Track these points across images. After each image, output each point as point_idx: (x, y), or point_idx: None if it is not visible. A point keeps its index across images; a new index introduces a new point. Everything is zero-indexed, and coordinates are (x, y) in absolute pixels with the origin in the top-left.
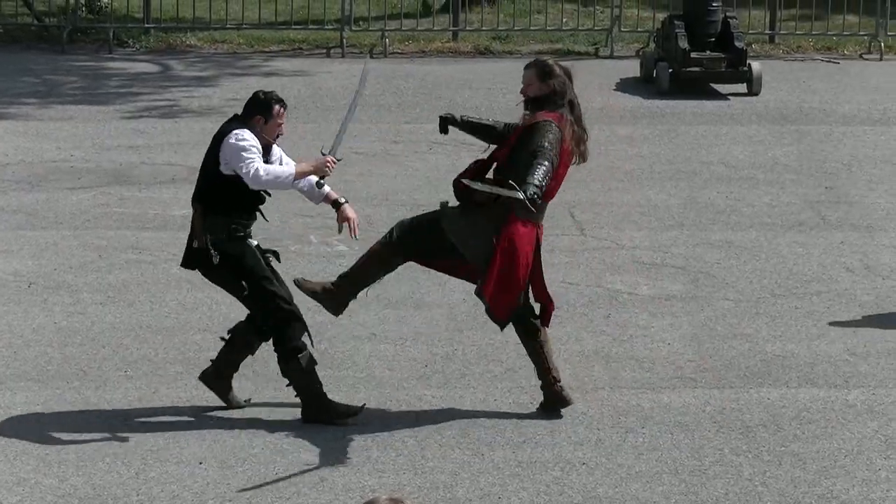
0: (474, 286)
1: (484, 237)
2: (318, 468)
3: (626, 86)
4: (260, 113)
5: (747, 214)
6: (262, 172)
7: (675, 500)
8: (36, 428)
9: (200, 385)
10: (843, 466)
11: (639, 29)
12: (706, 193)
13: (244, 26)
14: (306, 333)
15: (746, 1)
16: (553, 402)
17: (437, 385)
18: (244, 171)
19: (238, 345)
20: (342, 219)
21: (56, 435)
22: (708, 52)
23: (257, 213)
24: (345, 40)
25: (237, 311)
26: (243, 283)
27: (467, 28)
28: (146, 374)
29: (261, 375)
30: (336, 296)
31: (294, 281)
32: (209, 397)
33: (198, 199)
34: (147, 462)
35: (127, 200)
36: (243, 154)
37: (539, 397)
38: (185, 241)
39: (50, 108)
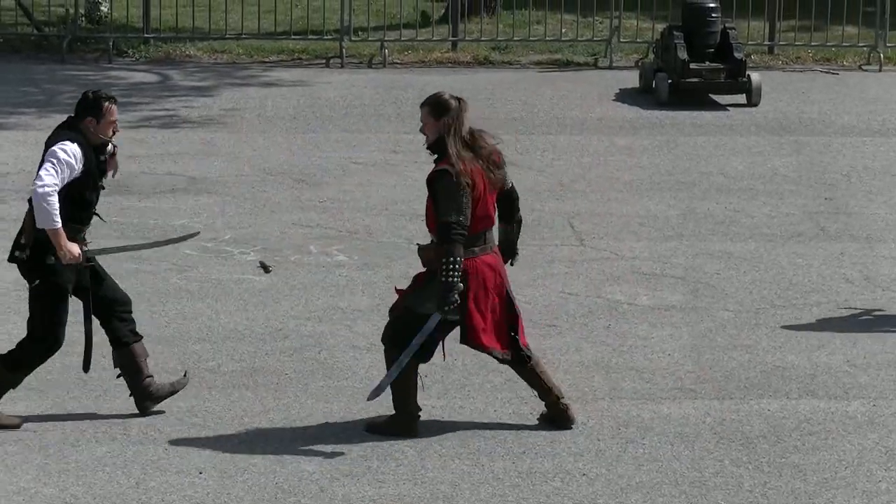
0: None
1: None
2: (317, 478)
3: (625, 96)
4: (91, 114)
5: (746, 225)
6: (42, 192)
7: None
8: (36, 437)
9: (201, 395)
10: (844, 478)
11: (638, 39)
12: (705, 204)
13: (243, 36)
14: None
15: (746, 12)
16: (559, 420)
17: (436, 395)
18: (37, 176)
19: (129, 358)
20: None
21: (56, 444)
22: (707, 63)
23: (91, 218)
24: (344, 50)
25: (237, 321)
26: (37, 283)
27: (466, 38)
28: None
29: (261, 385)
30: (412, 418)
31: (366, 427)
32: (210, 407)
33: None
34: (147, 472)
35: (127, 210)
36: (49, 164)
37: (539, 407)
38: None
39: (50, 117)
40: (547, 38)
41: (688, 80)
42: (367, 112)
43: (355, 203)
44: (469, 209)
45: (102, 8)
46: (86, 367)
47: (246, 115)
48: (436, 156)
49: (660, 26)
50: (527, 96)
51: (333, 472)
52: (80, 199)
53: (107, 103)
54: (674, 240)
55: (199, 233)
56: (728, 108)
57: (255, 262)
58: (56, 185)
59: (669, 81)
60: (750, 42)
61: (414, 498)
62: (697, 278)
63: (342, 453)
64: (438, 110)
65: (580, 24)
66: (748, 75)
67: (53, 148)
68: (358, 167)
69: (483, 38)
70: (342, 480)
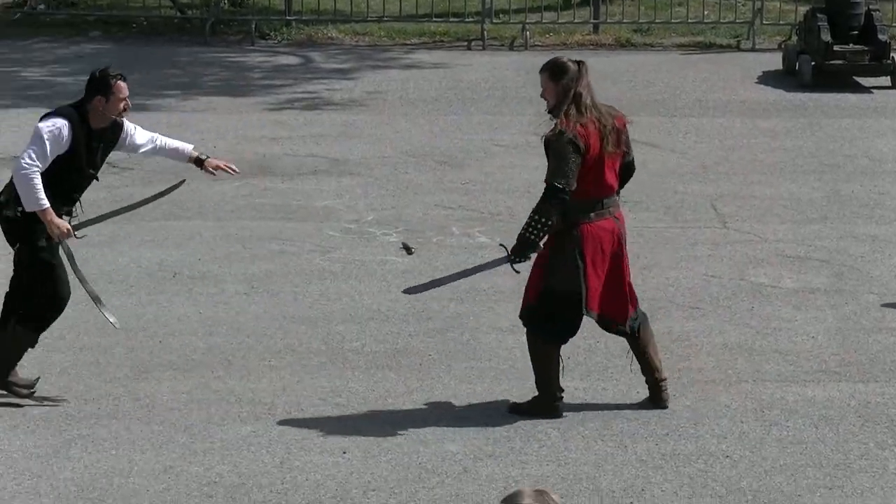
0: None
1: (570, 261)
2: (461, 458)
3: (768, 79)
4: (100, 93)
5: (892, 208)
6: (23, 174)
7: (819, 493)
8: (181, 417)
9: (345, 375)
10: None
11: (781, 21)
12: (850, 187)
13: (385, 19)
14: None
15: None
16: (654, 398)
17: (579, 377)
18: (21, 156)
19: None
20: (213, 166)
21: (201, 423)
22: (851, 45)
23: (75, 200)
24: (485, 33)
25: (380, 302)
26: (25, 250)
27: (608, 20)
28: (290, 364)
29: (405, 366)
30: (555, 399)
31: (509, 408)
32: (353, 388)
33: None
34: (291, 451)
35: (269, 191)
36: (33, 144)
37: (682, 389)
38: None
39: (193, 99)
40: (689, 21)
41: (831, 62)
42: (508, 94)
43: (497, 185)
44: (575, 175)
45: None
46: (111, 318)
47: (388, 98)
48: (550, 117)
49: (803, 8)
50: (669, 78)
51: (477, 453)
52: (63, 178)
53: (115, 80)
54: (818, 222)
55: (184, 181)
56: (872, 90)
57: (397, 244)
58: (38, 166)
59: (813, 64)
60: (895, 24)
61: (557, 479)
62: (842, 261)
63: (485, 434)
64: (557, 73)
65: (722, 6)
66: (893, 57)
67: (38, 125)
68: (500, 149)
69: (625, 21)
70: (485, 461)
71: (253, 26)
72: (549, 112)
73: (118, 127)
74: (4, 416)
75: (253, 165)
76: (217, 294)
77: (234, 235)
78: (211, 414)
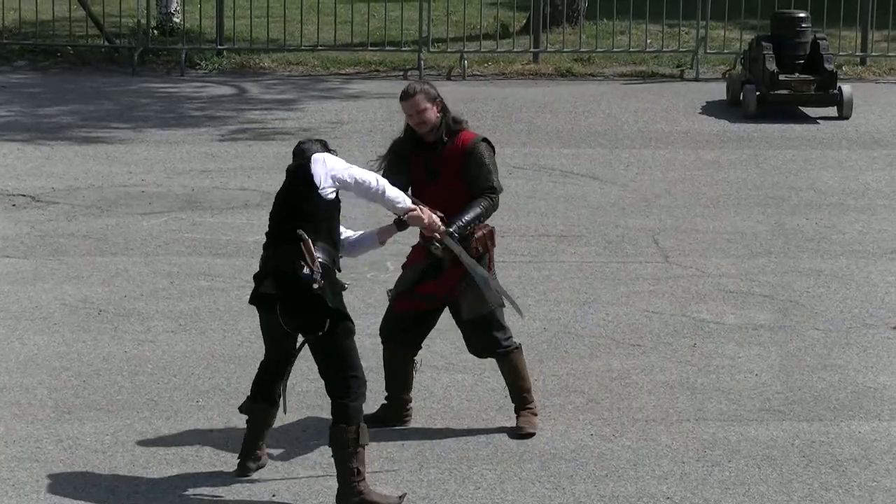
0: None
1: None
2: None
3: (711, 109)
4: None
5: (837, 242)
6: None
7: None
8: (105, 459)
9: (284, 417)
10: None
11: (725, 51)
12: (794, 220)
13: (319, 48)
14: None
15: (837, 22)
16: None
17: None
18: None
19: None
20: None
21: (126, 466)
22: (797, 75)
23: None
24: (422, 62)
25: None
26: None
27: (548, 49)
28: (218, 405)
29: None
30: (391, 412)
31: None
32: (284, 427)
33: None
34: (218, 494)
35: (199, 226)
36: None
37: (622, 429)
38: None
39: (121, 131)
40: (631, 49)
41: (777, 92)
42: None
43: None
44: None
45: (175, 19)
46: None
47: (321, 129)
48: (446, 139)
49: (748, 36)
50: (611, 109)
51: (410, 496)
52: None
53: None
54: (762, 256)
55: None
56: (818, 120)
57: None
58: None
59: (758, 93)
60: (841, 53)
61: None
62: (786, 296)
63: (420, 476)
64: (431, 93)
65: (666, 34)
66: (839, 87)
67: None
68: None
69: (565, 50)
70: None
71: (183, 55)
72: (443, 131)
73: None
74: None
75: (182, 199)
76: (143, 332)
77: (161, 271)
78: (136, 456)
